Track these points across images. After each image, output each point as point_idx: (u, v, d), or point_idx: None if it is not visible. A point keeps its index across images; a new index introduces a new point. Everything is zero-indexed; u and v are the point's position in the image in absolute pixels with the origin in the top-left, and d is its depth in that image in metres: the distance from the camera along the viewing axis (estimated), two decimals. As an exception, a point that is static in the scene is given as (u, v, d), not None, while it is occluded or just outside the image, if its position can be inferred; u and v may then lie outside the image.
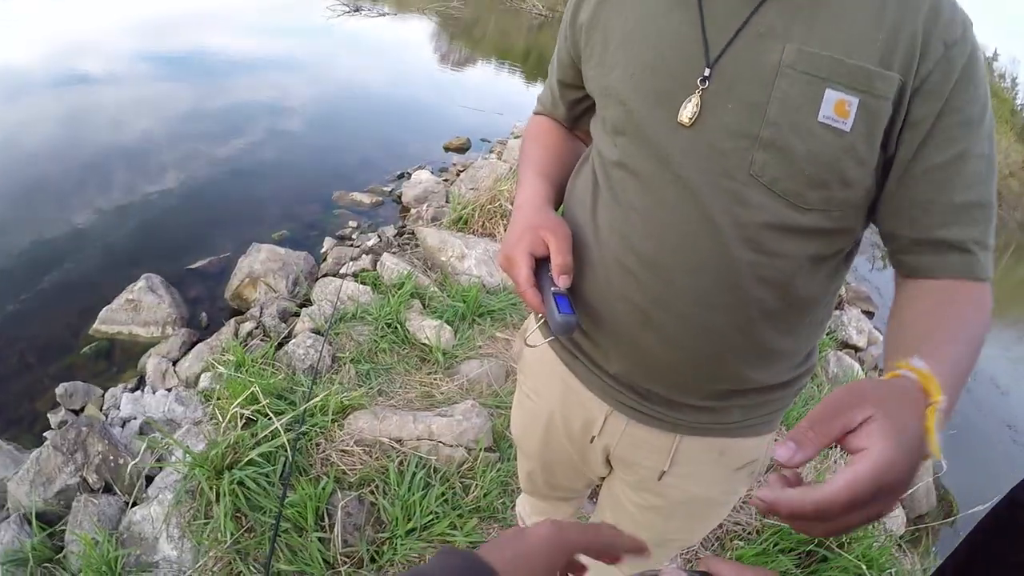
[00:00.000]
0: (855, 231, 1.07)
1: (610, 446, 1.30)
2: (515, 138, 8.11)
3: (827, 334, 5.12)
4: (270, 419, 2.67)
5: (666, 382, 1.16)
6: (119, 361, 3.90)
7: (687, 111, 1.00)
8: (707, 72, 0.99)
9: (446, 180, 6.54)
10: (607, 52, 1.13)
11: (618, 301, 1.12)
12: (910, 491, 3.28)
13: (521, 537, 0.62)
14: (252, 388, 2.76)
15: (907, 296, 1.02)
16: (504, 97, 12.21)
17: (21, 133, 7.15)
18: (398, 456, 2.72)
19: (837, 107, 0.93)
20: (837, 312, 5.69)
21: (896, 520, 3.15)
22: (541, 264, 1.10)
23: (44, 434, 3.27)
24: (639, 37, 1.08)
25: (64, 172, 6.16)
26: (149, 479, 2.71)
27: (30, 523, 2.51)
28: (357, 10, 19.21)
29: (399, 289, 3.90)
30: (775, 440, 1.12)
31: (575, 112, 1.38)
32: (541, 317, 1.09)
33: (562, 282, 1.06)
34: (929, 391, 0.75)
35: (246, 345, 3.50)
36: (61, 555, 2.42)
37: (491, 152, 7.77)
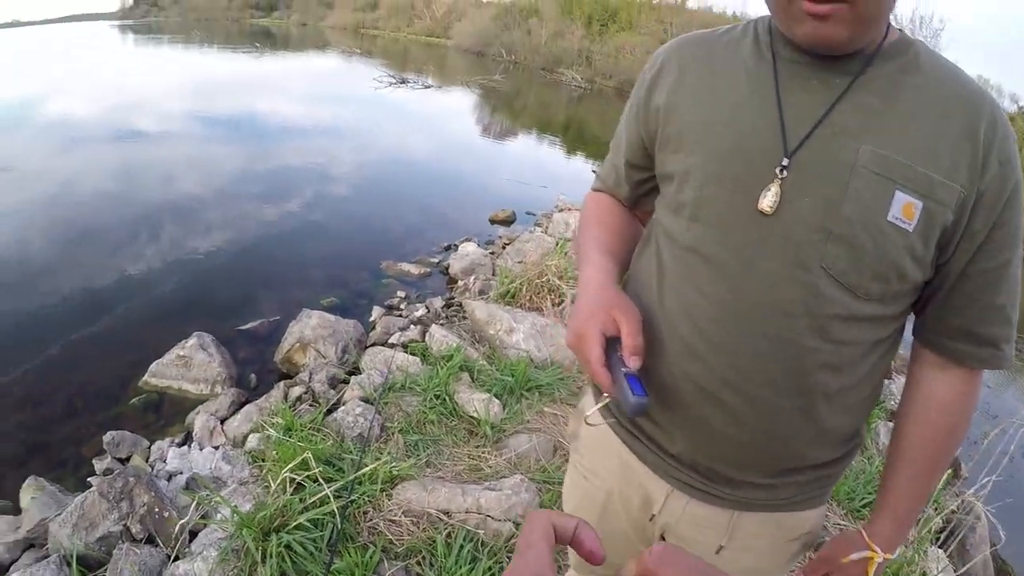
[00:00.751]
0: (905, 315, 1.15)
1: (669, 524, 1.31)
2: (559, 211, 8.19)
3: (877, 404, 5.06)
4: (319, 485, 2.68)
5: (729, 461, 1.18)
6: (167, 415, 3.95)
7: (767, 199, 1.03)
8: (785, 162, 1.03)
9: (492, 253, 6.61)
10: (684, 137, 1.15)
11: (684, 382, 1.14)
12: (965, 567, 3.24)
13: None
14: (305, 454, 2.78)
15: (933, 380, 1.18)
16: (547, 169, 12.41)
17: (82, 182, 7.44)
18: (446, 528, 2.71)
19: (904, 209, 0.99)
20: (886, 382, 5.61)
21: None
22: (610, 344, 1.08)
23: (88, 479, 3.30)
24: (719, 124, 1.10)
25: (120, 223, 6.42)
26: (192, 534, 2.72)
27: (70, 565, 2.53)
28: (403, 82, 19.79)
29: (448, 361, 3.92)
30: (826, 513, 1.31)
31: (639, 192, 1.38)
32: (605, 397, 1.09)
33: (633, 363, 1.05)
34: (873, 552, 1.23)
35: (295, 409, 3.53)
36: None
37: (536, 226, 7.85)
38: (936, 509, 3.40)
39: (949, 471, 3.70)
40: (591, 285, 1.19)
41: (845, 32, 0.97)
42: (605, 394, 1.08)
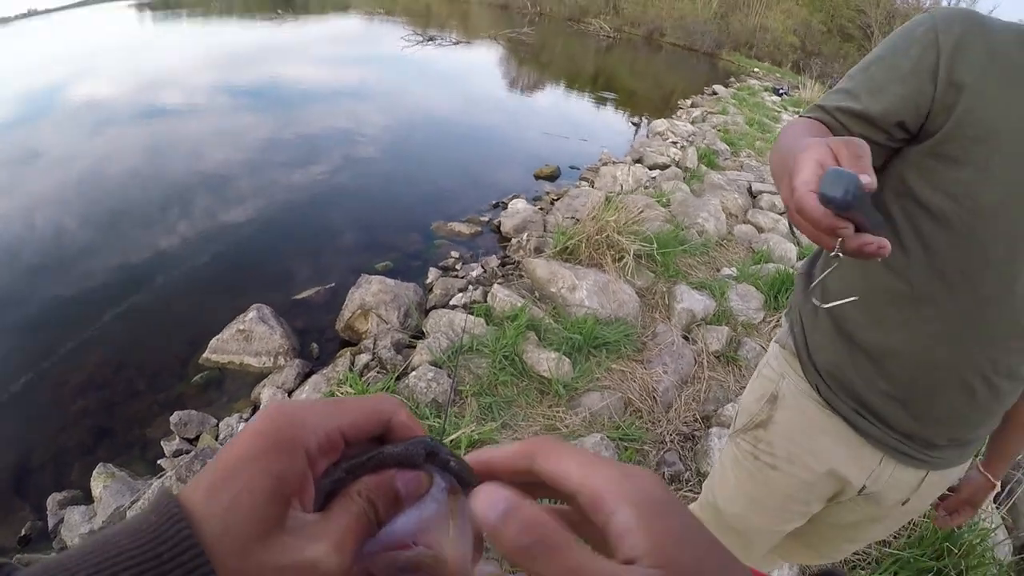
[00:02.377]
0: None
1: (868, 487, 1.47)
2: (604, 165, 8.05)
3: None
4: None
5: (948, 432, 1.34)
6: (231, 391, 3.90)
7: None
8: None
9: (542, 209, 6.48)
10: (995, 136, 1.11)
11: (937, 367, 1.25)
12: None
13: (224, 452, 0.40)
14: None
15: None
16: (583, 122, 12.23)
17: (120, 163, 7.40)
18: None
19: None
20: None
21: (1002, 546, 3.00)
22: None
23: (159, 462, 3.29)
24: None
25: (163, 201, 6.37)
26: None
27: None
28: (431, 39, 19.55)
29: (514, 321, 3.84)
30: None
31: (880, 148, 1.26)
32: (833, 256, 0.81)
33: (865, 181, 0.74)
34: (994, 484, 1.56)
35: (363, 377, 3.47)
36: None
37: (583, 180, 7.72)
38: None
39: None
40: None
41: None
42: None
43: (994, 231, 1.13)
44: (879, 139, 1.22)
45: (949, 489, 1.59)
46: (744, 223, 6.62)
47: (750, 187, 7.80)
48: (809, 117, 1.31)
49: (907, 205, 1.23)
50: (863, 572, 2.68)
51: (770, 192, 7.43)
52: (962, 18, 1.17)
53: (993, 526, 3.01)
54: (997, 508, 3.39)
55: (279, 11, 23.56)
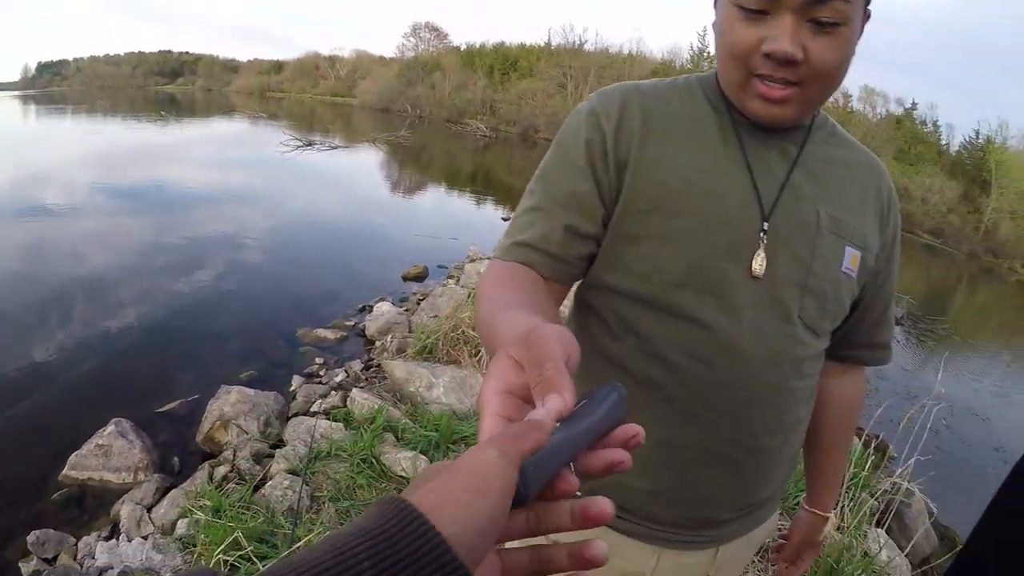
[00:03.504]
0: None
1: None
2: (471, 262, 8.35)
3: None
4: (253, 564, 2.70)
5: (720, 507, 1.24)
6: (91, 508, 3.83)
7: (758, 263, 1.11)
8: (765, 226, 1.12)
9: (407, 310, 6.70)
10: (664, 199, 1.12)
11: (681, 448, 1.17)
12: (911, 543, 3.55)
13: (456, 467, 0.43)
14: (235, 534, 2.80)
15: (838, 384, 1.41)
16: (456, 220, 12.61)
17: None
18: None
19: (852, 260, 1.18)
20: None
21: (899, 569, 3.25)
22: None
23: (17, 585, 3.22)
24: (702, 188, 1.12)
25: (25, 306, 6.21)
26: (130, 632, 2.70)
27: None
28: (310, 144, 19.78)
29: (371, 424, 3.98)
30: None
31: (575, 270, 1.20)
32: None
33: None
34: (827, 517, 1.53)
35: (222, 489, 3.51)
36: None
37: (449, 278, 7.99)
38: (871, 493, 3.61)
39: (875, 455, 3.95)
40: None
41: (795, 112, 1.09)
42: None
43: (706, 301, 1.11)
44: (590, 248, 1.18)
45: (783, 537, 1.60)
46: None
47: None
48: (509, 260, 1.17)
49: (602, 295, 1.20)
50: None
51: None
52: (620, 93, 1.19)
53: (877, 551, 3.20)
54: (887, 532, 3.62)
55: (163, 113, 23.45)
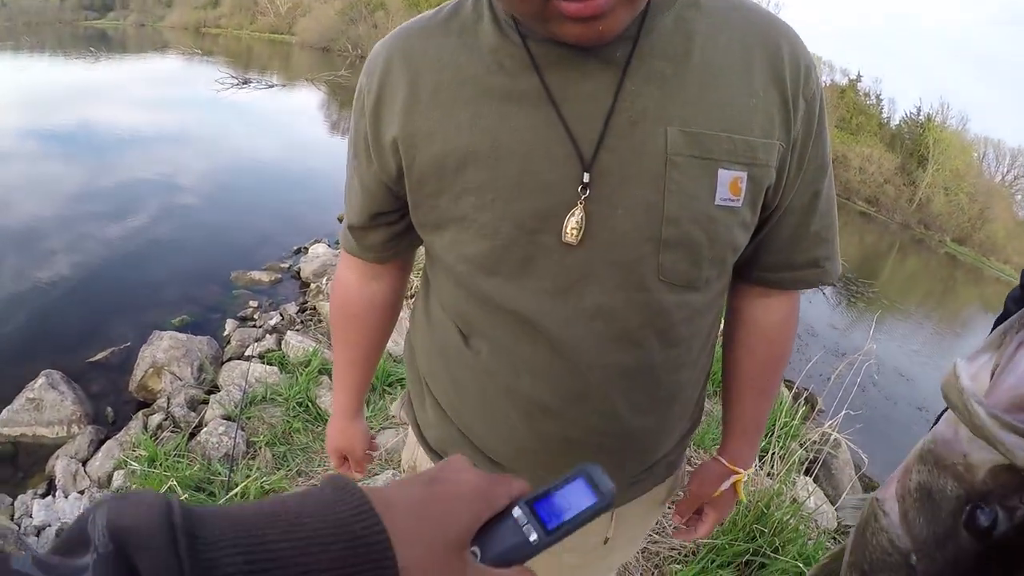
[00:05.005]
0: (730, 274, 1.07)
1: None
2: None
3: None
4: (191, 512, 2.72)
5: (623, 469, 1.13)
6: (25, 465, 3.79)
7: (570, 227, 0.88)
8: (586, 178, 0.87)
9: (344, 250, 6.63)
10: (446, 174, 0.93)
11: (543, 440, 1.04)
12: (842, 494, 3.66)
13: (433, 488, 0.48)
14: (170, 482, 2.82)
15: (757, 309, 1.16)
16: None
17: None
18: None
19: (731, 186, 0.89)
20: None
21: (825, 516, 3.40)
22: None
23: (-50, 549, 3.20)
24: (490, 152, 0.89)
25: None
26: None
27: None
28: (246, 82, 19.22)
29: (307, 367, 3.99)
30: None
31: (398, 247, 1.18)
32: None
33: None
34: (737, 472, 1.25)
35: (157, 438, 3.50)
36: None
37: (385, 218, 7.90)
38: (800, 443, 3.76)
39: (806, 406, 4.11)
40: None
41: (625, 14, 0.79)
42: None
43: (519, 288, 0.94)
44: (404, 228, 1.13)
45: (682, 490, 1.38)
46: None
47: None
48: (347, 254, 1.25)
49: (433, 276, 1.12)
50: (679, 566, 2.79)
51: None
52: (384, 55, 0.98)
53: (806, 497, 3.29)
54: (815, 481, 3.81)
55: (93, 49, 22.50)
